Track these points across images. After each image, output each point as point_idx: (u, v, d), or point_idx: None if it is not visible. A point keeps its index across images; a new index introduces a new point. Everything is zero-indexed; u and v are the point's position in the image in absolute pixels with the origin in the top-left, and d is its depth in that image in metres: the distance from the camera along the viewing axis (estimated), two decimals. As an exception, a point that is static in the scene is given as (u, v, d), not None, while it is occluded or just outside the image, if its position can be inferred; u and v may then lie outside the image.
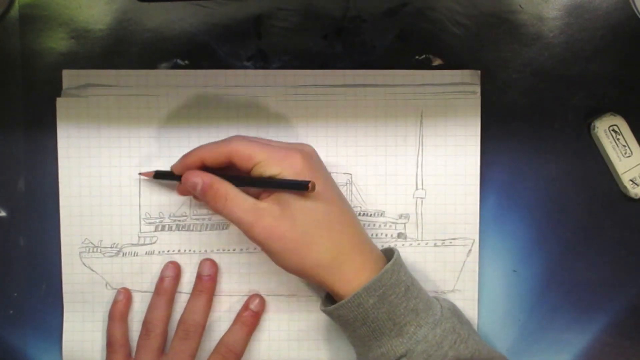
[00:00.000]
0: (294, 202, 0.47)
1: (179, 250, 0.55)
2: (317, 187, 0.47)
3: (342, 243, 0.48)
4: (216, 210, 0.49)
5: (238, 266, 0.55)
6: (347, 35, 0.55)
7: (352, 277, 0.48)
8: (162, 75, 0.54)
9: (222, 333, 0.55)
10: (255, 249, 0.55)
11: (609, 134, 0.54)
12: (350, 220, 0.50)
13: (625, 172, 0.54)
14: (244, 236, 0.54)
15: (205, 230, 0.55)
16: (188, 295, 0.55)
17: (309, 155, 0.50)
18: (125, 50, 0.54)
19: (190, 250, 0.55)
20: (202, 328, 0.54)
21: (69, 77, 0.54)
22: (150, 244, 0.55)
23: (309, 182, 0.46)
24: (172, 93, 0.54)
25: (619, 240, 0.55)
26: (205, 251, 0.55)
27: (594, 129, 0.54)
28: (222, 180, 0.49)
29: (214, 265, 0.55)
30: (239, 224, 0.48)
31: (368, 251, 0.50)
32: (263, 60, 0.55)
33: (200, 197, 0.50)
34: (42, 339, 0.55)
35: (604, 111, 0.54)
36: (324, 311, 0.49)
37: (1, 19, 0.54)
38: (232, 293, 0.55)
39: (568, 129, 0.55)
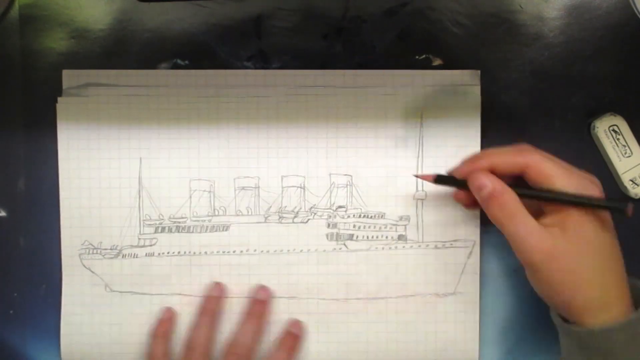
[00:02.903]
0: (580, 228, 0.44)
1: (179, 252, 0.55)
2: (610, 218, 0.44)
3: (613, 281, 0.45)
4: (495, 220, 0.46)
5: (238, 268, 0.55)
6: (347, 35, 0.55)
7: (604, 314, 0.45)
8: (162, 75, 0.54)
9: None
10: (255, 250, 0.55)
11: (609, 134, 0.54)
12: (619, 255, 0.46)
13: (625, 172, 0.54)
14: (244, 238, 0.55)
15: (205, 231, 0.55)
16: (189, 298, 0.55)
17: (601, 190, 0.46)
18: (125, 50, 0.55)
19: (190, 252, 0.55)
20: (253, 353, 0.53)
21: (69, 77, 0.54)
22: (150, 245, 0.55)
23: (627, 203, 0.43)
24: (172, 93, 0.54)
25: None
26: (205, 253, 0.55)
27: (594, 129, 0.54)
28: (512, 192, 0.46)
29: (267, 291, 0.55)
30: (519, 243, 0.45)
31: (627, 292, 0.46)
32: (263, 60, 0.55)
33: (482, 201, 0.47)
34: (42, 339, 0.55)
35: (604, 111, 0.54)
36: (575, 331, 0.45)
37: (1, 19, 0.54)
38: (232, 295, 0.55)
39: (568, 129, 0.55)
